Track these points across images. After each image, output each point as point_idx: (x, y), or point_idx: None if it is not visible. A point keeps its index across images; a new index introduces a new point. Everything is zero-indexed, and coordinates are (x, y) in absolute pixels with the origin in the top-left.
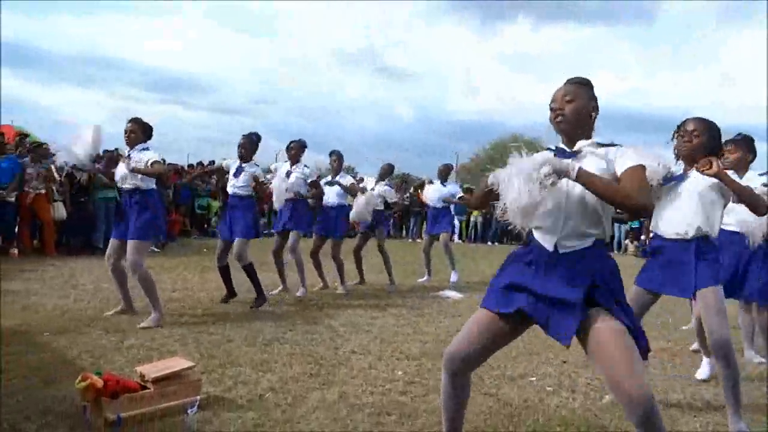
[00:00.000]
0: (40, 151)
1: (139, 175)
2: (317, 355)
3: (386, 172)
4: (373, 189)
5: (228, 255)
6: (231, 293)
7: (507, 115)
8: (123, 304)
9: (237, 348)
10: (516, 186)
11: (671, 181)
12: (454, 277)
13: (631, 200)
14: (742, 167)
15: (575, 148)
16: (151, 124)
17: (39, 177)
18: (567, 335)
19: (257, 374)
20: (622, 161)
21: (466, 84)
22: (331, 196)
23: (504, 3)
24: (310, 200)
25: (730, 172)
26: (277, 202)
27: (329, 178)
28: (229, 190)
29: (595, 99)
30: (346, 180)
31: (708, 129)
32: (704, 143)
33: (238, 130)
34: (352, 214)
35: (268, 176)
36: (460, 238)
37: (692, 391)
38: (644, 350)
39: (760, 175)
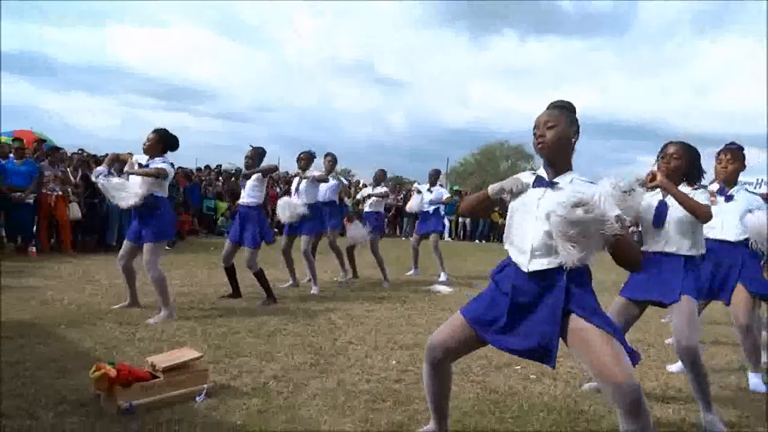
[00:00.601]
0: (57, 155)
1: (150, 182)
2: (317, 345)
3: (381, 178)
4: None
5: (234, 257)
6: (236, 293)
7: (495, 123)
8: (129, 299)
9: (242, 339)
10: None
11: (657, 209)
12: (443, 278)
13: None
14: (735, 178)
15: (555, 181)
16: (176, 137)
17: (56, 179)
18: (551, 357)
19: (261, 364)
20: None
21: (457, 93)
22: (322, 193)
23: (490, 18)
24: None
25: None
26: (285, 218)
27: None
28: (240, 201)
29: (576, 123)
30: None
31: (686, 153)
32: (681, 167)
33: (242, 136)
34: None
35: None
36: (450, 236)
37: (665, 379)
38: (633, 358)
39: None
